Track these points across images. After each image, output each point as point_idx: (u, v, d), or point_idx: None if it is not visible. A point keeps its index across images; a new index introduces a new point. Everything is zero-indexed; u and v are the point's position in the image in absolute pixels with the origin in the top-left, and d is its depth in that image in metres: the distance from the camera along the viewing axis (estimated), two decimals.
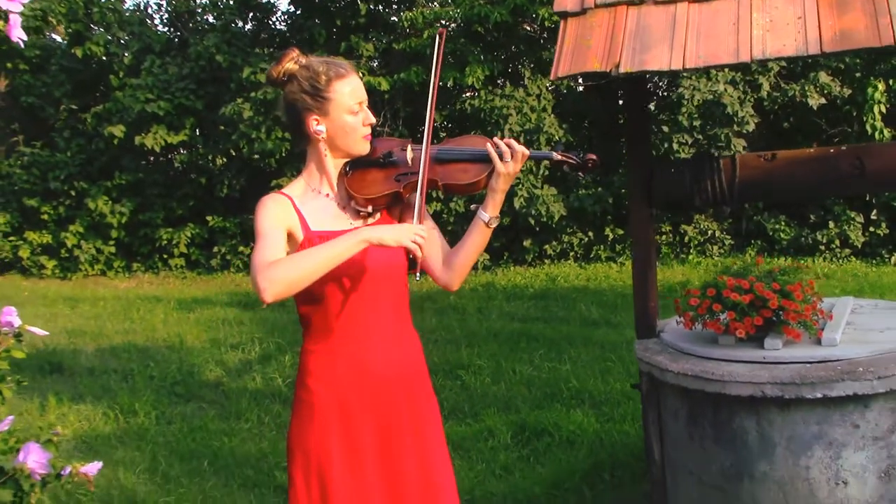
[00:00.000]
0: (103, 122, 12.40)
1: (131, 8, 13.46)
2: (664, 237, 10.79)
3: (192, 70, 12.15)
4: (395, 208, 2.42)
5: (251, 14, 13.23)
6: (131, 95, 11.81)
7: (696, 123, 9.34)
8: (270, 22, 13.34)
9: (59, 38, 14.06)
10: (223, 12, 12.73)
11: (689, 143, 9.38)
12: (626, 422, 4.94)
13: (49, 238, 13.09)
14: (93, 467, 2.73)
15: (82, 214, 12.89)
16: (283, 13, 13.32)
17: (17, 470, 2.58)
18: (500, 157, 2.26)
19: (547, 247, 11.01)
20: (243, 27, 13.12)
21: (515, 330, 7.24)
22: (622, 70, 3.07)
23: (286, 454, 2.38)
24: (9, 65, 13.87)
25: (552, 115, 10.42)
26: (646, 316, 3.79)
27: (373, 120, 2.35)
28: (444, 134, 11.05)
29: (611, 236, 10.89)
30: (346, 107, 2.27)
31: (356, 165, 2.36)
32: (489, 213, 2.35)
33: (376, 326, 2.30)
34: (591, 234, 10.99)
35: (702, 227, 10.59)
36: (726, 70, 9.51)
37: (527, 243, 10.99)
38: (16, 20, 2.79)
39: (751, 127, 9.35)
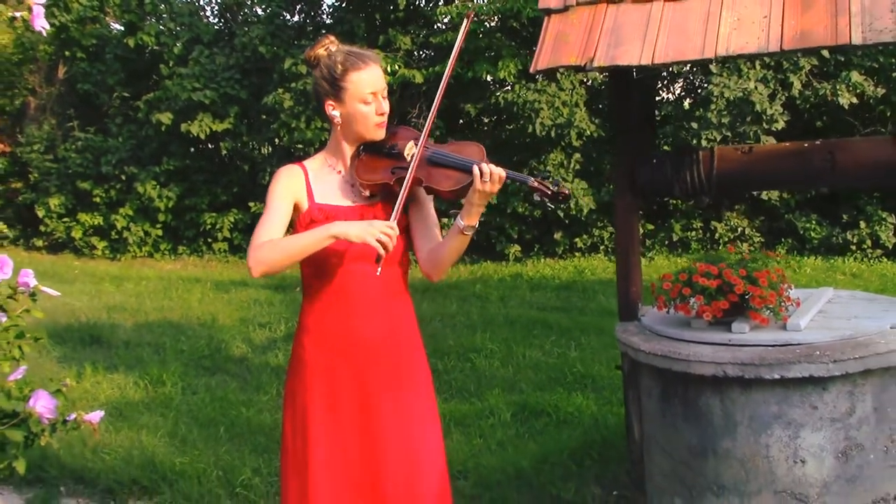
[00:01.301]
0: (153, 110, 12.87)
1: (183, 0, 13.90)
2: (694, 233, 10.86)
3: (238, 60, 12.55)
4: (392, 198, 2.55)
5: (299, 6, 13.60)
6: (179, 84, 12.26)
7: (725, 120, 9.40)
8: (316, 14, 13.70)
9: (115, 26, 14.59)
10: (270, 4, 13.10)
11: (718, 139, 9.45)
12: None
13: (100, 220, 13.63)
14: (95, 416, 3.02)
15: (132, 198, 13.39)
16: (328, 6, 13.65)
17: (28, 414, 2.88)
18: (481, 175, 2.38)
19: (577, 240, 11.16)
20: (290, 19, 13.50)
21: (532, 318, 7.45)
22: (595, 64, 3.27)
23: (283, 399, 2.66)
24: (67, 53, 14.46)
25: (583, 110, 10.57)
26: (627, 300, 3.98)
27: (386, 109, 2.54)
28: (477, 126, 11.28)
29: (640, 231, 10.99)
30: (359, 96, 2.48)
31: (369, 149, 2.56)
32: (465, 221, 2.46)
33: (364, 296, 2.52)
34: None
35: (732, 224, 10.65)
36: (757, 67, 9.56)
37: (557, 236, 11.16)
38: (39, 11, 3.03)
39: (780, 125, 9.38)
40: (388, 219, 2.45)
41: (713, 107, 9.47)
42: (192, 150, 13.66)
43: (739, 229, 10.62)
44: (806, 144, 3.68)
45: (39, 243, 14.29)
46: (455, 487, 4.15)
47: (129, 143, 13.50)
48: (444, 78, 2.63)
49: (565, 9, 3.52)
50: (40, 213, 13.90)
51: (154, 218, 13.41)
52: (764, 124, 9.37)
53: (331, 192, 2.56)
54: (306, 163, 2.58)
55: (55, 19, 14.09)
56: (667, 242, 10.90)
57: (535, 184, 2.43)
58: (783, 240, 10.58)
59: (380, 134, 2.54)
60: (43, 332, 7.44)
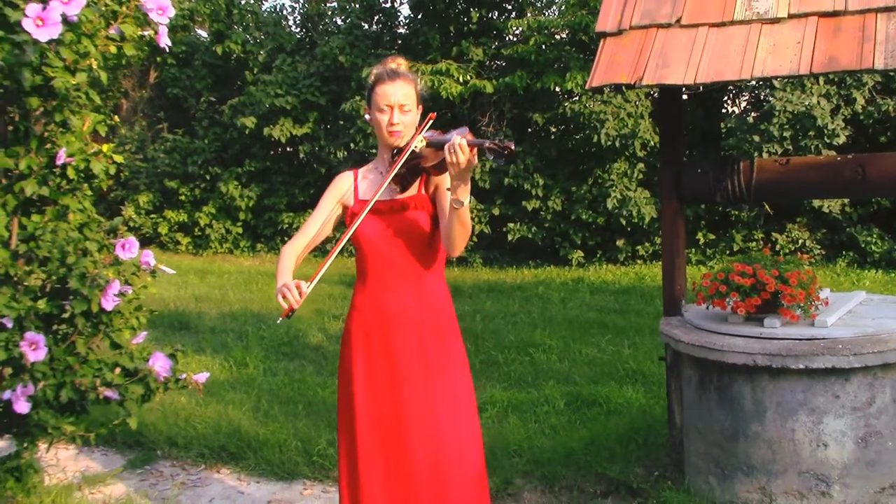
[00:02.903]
0: (237, 114, 13.58)
1: (268, 10, 14.63)
2: (755, 243, 11.06)
3: (318, 68, 13.19)
4: (429, 185, 2.93)
5: (376, 17, 14.19)
6: (263, 90, 12.95)
7: (787, 134, 9.62)
8: (393, 25, 14.27)
9: (203, 34, 15.39)
10: (350, 15, 13.71)
11: (779, 152, 9.65)
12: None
13: (185, 217, 14.43)
14: (202, 376, 3.54)
15: (215, 197, 14.14)
16: (405, 17, 14.21)
17: (147, 371, 3.41)
18: (450, 150, 2.59)
19: (639, 247, 11.46)
20: (368, 30, 14.09)
21: (590, 318, 7.82)
22: (644, 83, 3.68)
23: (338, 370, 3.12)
24: (158, 59, 15.33)
25: (647, 121, 10.88)
26: (672, 296, 4.36)
27: (396, 121, 2.88)
28: (545, 135, 11.67)
29: (702, 240, 11.24)
30: (378, 106, 2.89)
31: (398, 154, 2.93)
32: (451, 194, 2.68)
33: (395, 280, 2.90)
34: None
35: (793, 235, 10.82)
36: (821, 82, 9.76)
37: (620, 243, 11.48)
38: (164, 31, 3.54)
39: (841, 139, 9.56)
40: (418, 206, 2.87)
41: (775, 120, 9.69)
42: (273, 152, 14.35)
43: (800, 241, 10.78)
44: (839, 158, 4.01)
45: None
46: (510, 464, 4.60)
47: (214, 145, 14.26)
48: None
49: (619, 32, 3.93)
50: (130, 209, 14.76)
51: (235, 216, 14.13)
52: (825, 139, 9.56)
53: (372, 189, 2.96)
54: (361, 168, 3.03)
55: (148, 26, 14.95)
56: (727, 252, 11.12)
57: (489, 144, 2.64)
58: (844, 253, 10.71)
59: (393, 141, 2.89)
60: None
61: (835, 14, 3.60)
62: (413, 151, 2.84)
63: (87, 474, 4.76)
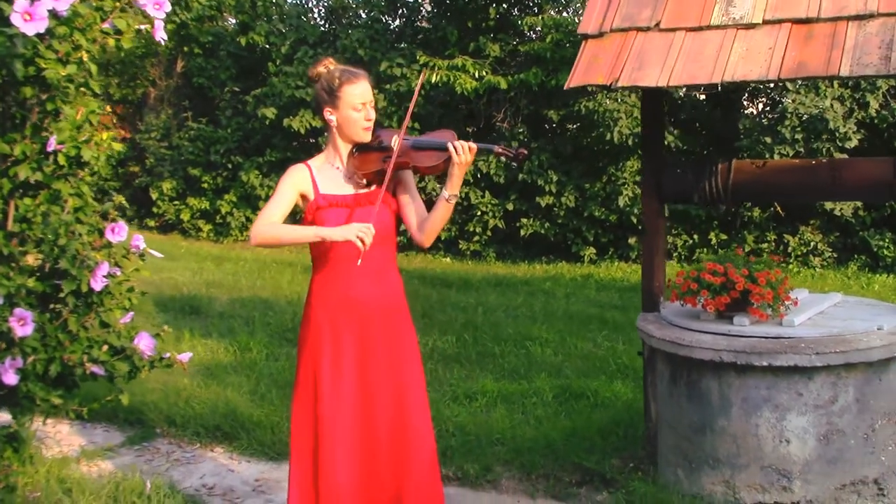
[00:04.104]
0: (260, 104, 13.80)
1: (292, 2, 14.82)
2: (767, 245, 11.08)
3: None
4: (390, 182, 3.12)
5: (399, 11, 14.35)
6: (284, 81, 13.16)
7: (799, 136, 9.63)
8: (415, 20, 14.41)
9: (233, 21, 15.62)
10: (373, 9, 13.87)
11: (791, 155, 9.67)
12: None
13: (207, 205, 14.69)
14: (185, 356, 3.72)
15: (236, 185, 14.38)
16: (427, 12, 14.33)
17: (133, 350, 3.59)
18: (455, 150, 2.96)
19: None
20: (390, 23, 14.25)
21: (591, 314, 7.92)
22: (619, 84, 3.79)
23: (297, 350, 3.24)
24: (185, 48, 15.60)
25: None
26: (650, 294, 4.47)
27: (372, 117, 3.10)
28: (560, 132, 11.76)
29: (714, 241, 11.27)
30: (351, 104, 3.06)
31: (360, 149, 3.14)
32: (448, 191, 3.00)
33: (362, 268, 3.00)
34: (695, 236, 11.43)
35: (805, 238, 10.82)
36: (835, 86, 9.75)
37: (631, 241, 11.55)
38: (159, 24, 3.69)
39: (853, 143, 9.55)
40: (383, 202, 3.06)
41: (787, 123, 9.71)
42: (295, 143, 14.54)
43: (812, 244, 10.79)
44: (813, 162, 4.09)
45: (151, 223, 15.46)
46: (492, 452, 4.73)
47: (237, 135, 14.49)
48: (410, 107, 3.22)
49: (600, 34, 4.04)
50: (154, 195, 15.05)
51: (255, 205, 14.36)
52: (837, 142, 9.56)
53: (333, 184, 3.12)
54: (310, 162, 3.16)
55: (176, 17, 15.24)
56: (768, 257, 11.14)
57: (499, 150, 3.01)
58: (856, 256, 10.70)
59: (366, 137, 3.10)
60: (150, 302, 8.34)
61: (808, 21, 3.68)
62: (399, 150, 3.05)
63: (86, 449, 4.96)
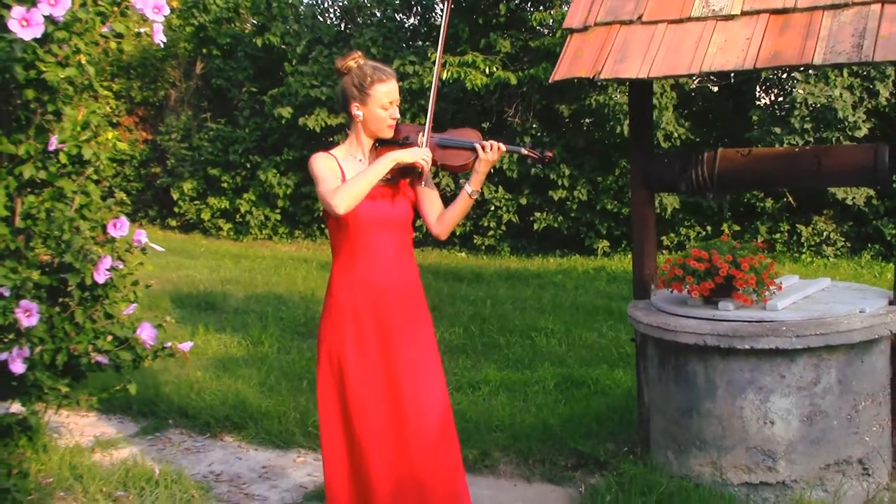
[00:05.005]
0: (276, 104, 13.99)
1: (308, 2, 15.00)
2: (780, 235, 11.09)
3: None
4: (407, 177, 3.30)
5: (414, 9, 14.49)
6: (299, 81, 13.34)
7: (808, 126, 9.64)
8: (430, 17, 14.55)
9: (254, 21, 15.81)
10: (387, 8, 14.01)
11: (800, 144, 9.68)
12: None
13: (226, 204, 14.91)
14: (186, 345, 3.88)
15: (255, 185, 14.59)
16: (441, 10, 14.45)
17: (135, 340, 3.75)
18: (483, 148, 3.16)
19: (664, 238, 11.57)
20: (404, 22, 14.38)
21: (597, 305, 8.01)
22: (602, 77, 3.89)
23: (317, 341, 3.38)
24: (204, 50, 15.84)
25: (671, 113, 10.98)
26: (641, 281, 4.56)
27: (397, 115, 3.25)
28: (572, 126, 11.84)
29: (727, 231, 11.29)
30: (380, 103, 3.19)
31: (383, 144, 3.29)
32: (472, 187, 3.22)
33: (382, 255, 3.20)
34: (709, 228, 11.46)
35: (818, 228, 10.82)
36: (845, 74, 9.75)
37: None
38: (158, 28, 3.84)
39: (863, 132, 9.54)
40: (402, 194, 3.24)
41: (797, 113, 9.72)
42: (314, 142, 14.71)
43: (825, 233, 10.79)
44: (797, 149, 4.17)
45: (173, 223, 15.72)
46: (491, 438, 4.86)
47: (255, 135, 14.70)
48: (432, 98, 3.36)
49: (585, 28, 4.14)
50: (175, 195, 15.31)
51: (274, 203, 14.57)
52: (847, 131, 9.56)
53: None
54: (333, 152, 3.29)
55: (195, 19, 15.49)
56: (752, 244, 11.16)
57: (526, 151, 3.21)
58: (869, 245, 10.68)
59: (389, 133, 3.24)
60: (167, 298, 8.53)
61: (784, 11, 3.76)
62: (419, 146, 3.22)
63: (100, 439, 5.15)
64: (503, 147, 3.16)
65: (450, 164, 3.25)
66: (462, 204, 3.27)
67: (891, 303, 4.04)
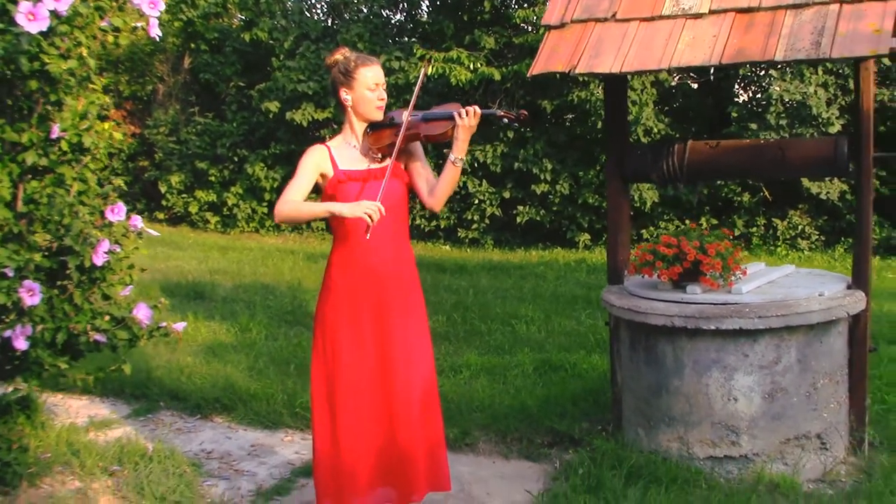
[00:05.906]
0: (264, 99, 14.14)
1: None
2: (756, 229, 11.35)
3: None
4: (402, 156, 3.49)
5: (400, 6, 14.67)
6: (286, 76, 13.49)
7: (783, 122, 9.90)
8: (416, 13, 14.73)
9: (241, 17, 15.96)
10: (373, 3, 14.19)
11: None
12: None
13: (214, 197, 15.04)
14: (180, 325, 4.05)
15: (242, 178, 14.73)
16: (427, 6, 14.65)
17: (132, 319, 3.93)
18: (460, 115, 3.31)
19: (644, 231, 11.81)
20: (391, 18, 14.56)
21: (577, 294, 8.24)
22: (577, 71, 4.10)
23: (314, 321, 3.57)
24: (192, 45, 15.96)
25: (651, 108, 11.23)
26: (615, 267, 4.77)
27: (384, 96, 3.44)
28: (555, 121, 12.08)
29: (705, 225, 11.55)
30: (366, 84, 3.39)
31: (374, 127, 3.47)
32: (455, 154, 3.34)
33: (379, 239, 3.35)
34: (687, 221, 11.70)
35: (793, 222, 11.09)
36: (819, 72, 10.01)
37: None
38: (154, 22, 4.00)
39: (836, 128, 9.81)
40: (396, 175, 3.40)
41: (773, 109, 9.98)
42: (299, 136, 14.88)
43: (800, 227, 11.06)
44: (762, 142, 4.39)
45: (161, 216, 15.84)
46: (471, 418, 5.06)
47: (242, 129, 14.83)
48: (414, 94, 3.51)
49: (562, 25, 4.35)
50: (163, 189, 15.41)
51: (261, 197, 14.72)
52: (821, 127, 9.82)
53: (351, 161, 3.46)
54: (328, 143, 3.50)
55: (183, 14, 15.60)
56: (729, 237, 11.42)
57: (501, 112, 3.38)
58: (843, 239, 10.96)
59: (379, 115, 3.43)
60: (157, 287, 8.69)
61: (749, 10, 3.98)
62: (407, 124, 3.38)
63: (94, 419, 5.32)
64: (478, 110, 3.30)
65: (431, 134, 3.41)
66: (449, 174, 3.40)
67: (849, 287, 4.26)
